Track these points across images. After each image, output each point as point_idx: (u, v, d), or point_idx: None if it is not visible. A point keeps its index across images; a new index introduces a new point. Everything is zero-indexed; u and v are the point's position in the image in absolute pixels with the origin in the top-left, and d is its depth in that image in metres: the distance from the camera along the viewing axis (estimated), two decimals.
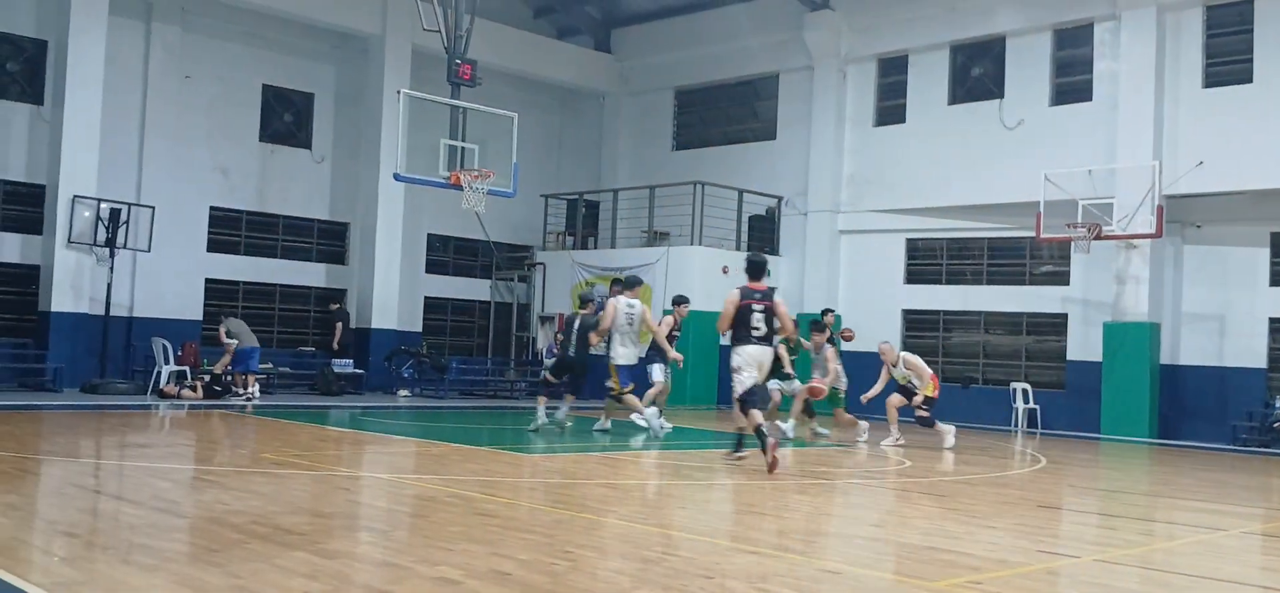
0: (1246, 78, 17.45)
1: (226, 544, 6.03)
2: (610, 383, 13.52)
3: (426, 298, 23.56)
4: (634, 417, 13.71)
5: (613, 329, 13.35)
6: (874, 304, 21.57)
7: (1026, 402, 18.84)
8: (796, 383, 14.17)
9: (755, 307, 10.66)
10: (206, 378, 17.59)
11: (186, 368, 17.81)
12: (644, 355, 14.03)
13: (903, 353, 14.47)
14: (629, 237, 23.34)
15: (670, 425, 14.10)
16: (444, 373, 21.04)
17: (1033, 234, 18.54)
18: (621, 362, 13.38)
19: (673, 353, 13.86)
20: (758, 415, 10.48)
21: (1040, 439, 16.99)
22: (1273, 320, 17.77)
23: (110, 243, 18.19)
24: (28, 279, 18.59)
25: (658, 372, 14.18)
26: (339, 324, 21.14)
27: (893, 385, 14.31)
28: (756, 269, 11.01)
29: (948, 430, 14.07)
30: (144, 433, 12.44)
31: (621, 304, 13.40)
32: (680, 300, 14.81)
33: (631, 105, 25.50)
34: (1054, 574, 6.48)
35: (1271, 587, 6.67)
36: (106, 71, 18.44)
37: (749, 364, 10.54)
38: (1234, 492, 11.44)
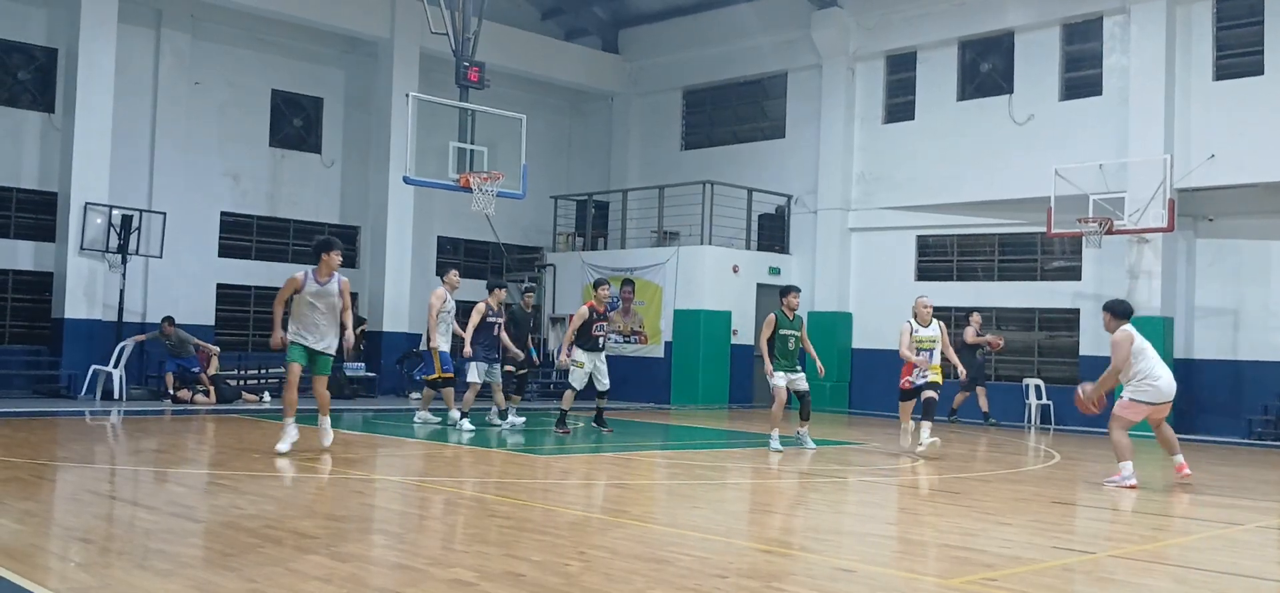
0: (1258, 69, 17.36)
1: (241, 549, 6.05)
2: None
3: None
4: (427, 411, 14.89)
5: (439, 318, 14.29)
6: (885, 302, 21.50)
7: (1040, 398, 18.78)
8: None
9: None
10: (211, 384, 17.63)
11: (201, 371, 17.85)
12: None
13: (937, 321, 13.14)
14: (639, 237, 23.35)
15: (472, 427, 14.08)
16: (456, 376, 21.04)
17: (1044, 230, 18.49)
18: (443, 348, 14.37)
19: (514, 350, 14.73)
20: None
21: (1054, 435, 16.93)
22: None
23: (122, 249, 18.25)
24: (41, 286, 18.68)
25: (473, 372, 14.19)
26: (360, 328, 21.29)
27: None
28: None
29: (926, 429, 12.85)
30: (158, 438, 12.48)
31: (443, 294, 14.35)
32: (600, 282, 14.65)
33: (640, 106, 25.50)
34: (1069, 571, 6.46)
35: None
36: (117, 79, 18.50)
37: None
38: (1250, 486, 11.39)
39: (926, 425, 12.52)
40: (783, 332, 12.71)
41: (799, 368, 12.97)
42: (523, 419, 14.81)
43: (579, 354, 13.82)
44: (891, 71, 21.67)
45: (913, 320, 12.75)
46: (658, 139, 25.16)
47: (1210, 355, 18.27)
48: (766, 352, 12.81)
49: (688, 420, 17.40)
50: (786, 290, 13.15)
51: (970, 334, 18.39)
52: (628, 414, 15.29)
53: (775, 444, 12.58)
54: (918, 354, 12.61)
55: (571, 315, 14.58)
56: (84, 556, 5.94)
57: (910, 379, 12.72)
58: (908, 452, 12.73)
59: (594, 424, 14.42)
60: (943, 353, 12.80)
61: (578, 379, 13.94)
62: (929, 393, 12.59)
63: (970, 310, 19.13)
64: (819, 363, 13.36)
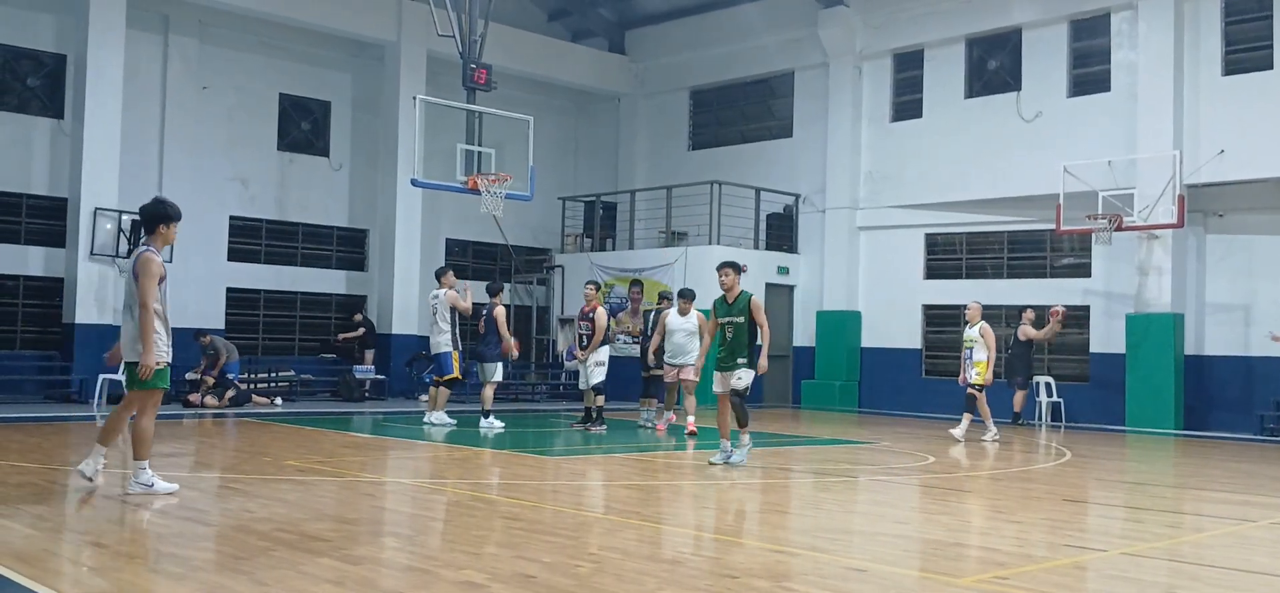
0: (1267, 64, 17.30)
1: (253, 552, 6.06)
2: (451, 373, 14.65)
3: None
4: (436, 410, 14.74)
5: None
6: (894, 300, 21.51)
7: (1050, 395, 18.73)
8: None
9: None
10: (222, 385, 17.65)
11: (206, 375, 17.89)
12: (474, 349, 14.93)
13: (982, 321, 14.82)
14: (646, 237, 23.35)
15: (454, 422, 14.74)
16: (465, 378, 21.06)
17: (1053, 227, 18.43)
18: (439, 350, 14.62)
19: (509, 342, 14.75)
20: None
21: (1065, 433, 16.89)
22: None
23: (132, 254, 18.27)
24: (52, 292, 18.75)
25: (499, 371, 14.80)
26: (363, 331, 21.30)
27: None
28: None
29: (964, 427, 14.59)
30: (169, 443, 12.50)
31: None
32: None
33: (647, 106, 25.51)
34: (1081, 569, 6.43)
35: None
36: (125, 84, 18.57)
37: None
38: (1262, 482, 11.34)
39: (967, 418, 14.52)
40: (720, 321, 10.73)
41: (739, 359, 10.60)
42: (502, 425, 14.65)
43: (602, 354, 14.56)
44: (898, 70, 21.64)
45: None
46: (665, 139, 25.16)
47: (1221, 352, 18.20)
48: (702, 354, 11.46)
49: (696, 421, 17.36)
50: (721, 267, 10.97)
51: (1024, 331, 18.09)
52: (635, 415, 15.28)
53: (714, 457, 10.88)
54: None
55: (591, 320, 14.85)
56: (96, 560, 5.95)
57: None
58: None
59: (577, 425, 14.92)
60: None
61: (600, 375, 14.57)
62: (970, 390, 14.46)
63: (1022, 308, 18.79)
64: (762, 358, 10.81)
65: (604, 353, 14.58)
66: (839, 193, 21.89)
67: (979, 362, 14.41)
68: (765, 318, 10.77)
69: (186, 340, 18.95)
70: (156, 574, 5.55)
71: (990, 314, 20.23)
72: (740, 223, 21.95)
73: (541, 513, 7.82)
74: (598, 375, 14.52)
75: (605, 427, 14.49)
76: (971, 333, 14.59)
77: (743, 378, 10.46)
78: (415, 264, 21.78)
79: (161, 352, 7.91)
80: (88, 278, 18.12)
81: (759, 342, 10.75)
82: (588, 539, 6.82)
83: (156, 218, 8.13)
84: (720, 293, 10.79)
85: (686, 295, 13.98)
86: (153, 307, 7.84)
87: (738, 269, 10.85)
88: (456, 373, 14.68)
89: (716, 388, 10.69)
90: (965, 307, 15.24)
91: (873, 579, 5.98)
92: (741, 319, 10.50)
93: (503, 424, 14.44)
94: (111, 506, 7.79)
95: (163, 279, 8.01)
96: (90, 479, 8.07)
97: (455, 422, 14.79)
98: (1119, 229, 17.57)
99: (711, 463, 10.70)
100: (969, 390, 14.57)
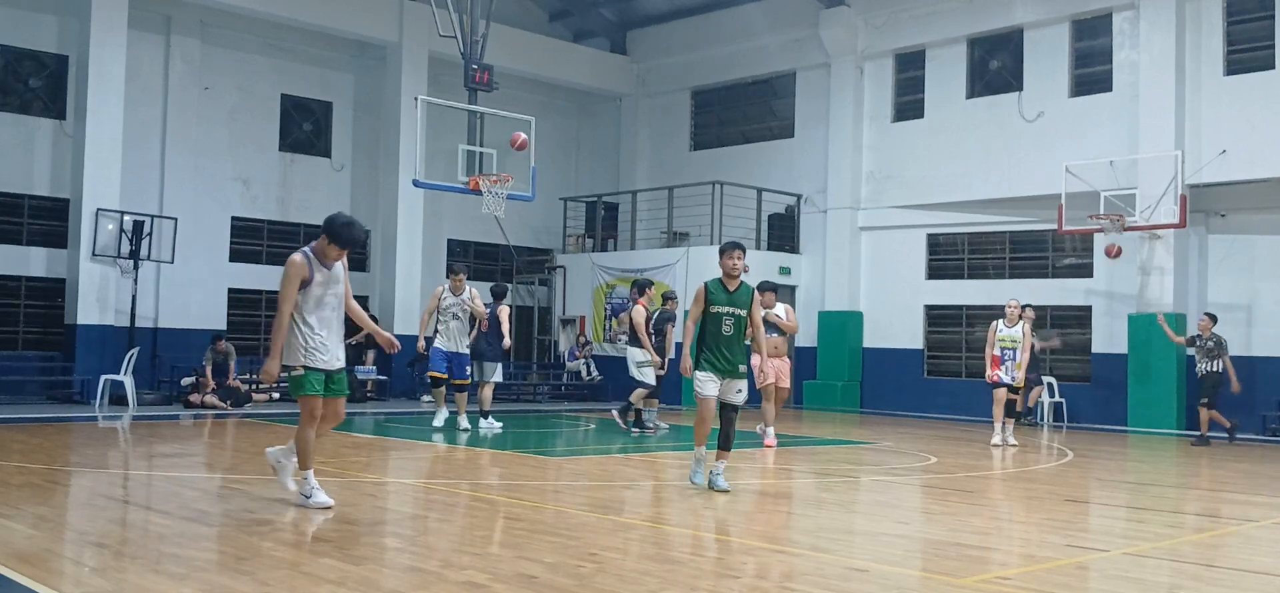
0: (1269, 64, 17.30)
1: (255, 552, 6.06)
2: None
3: None
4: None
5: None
6: (896, 300, 21.51)
7: (1052, 395, 18.72)
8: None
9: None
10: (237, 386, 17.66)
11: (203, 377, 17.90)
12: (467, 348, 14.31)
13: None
14: (648, 238, 23.35)
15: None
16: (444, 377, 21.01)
17: (1055, 227, 18.43)
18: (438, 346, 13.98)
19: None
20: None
21: (1067, 433, 16.88)
22: None
23: (134, 255, 18.33)
24: (54, 292, 18.76)
25: (499, 371, 14.53)
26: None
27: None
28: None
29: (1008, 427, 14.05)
30: (171, 443, 12.52)
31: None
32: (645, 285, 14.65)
33: (649, 107, 25.51)
34: (1083, 569, 6.43)
35: None
36: (127, 85, 18.59)
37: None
38: (1265, 482, 11.33)
39: (1009, 423, 13.81)
40: (714, 310, 9.00)
41: (742, 368, 8.99)
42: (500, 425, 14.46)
43: (651, 354, 13.95)
44: (900, 70, 21.63)
45: (1000, 321, 13.81)
46: (666, 140, 25.16)
47: None
48: (687, 342, 9.15)
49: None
50: (727, 248, 9.21)
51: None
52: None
53: (696, 476, 9.18)
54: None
55: (610, 317, 14.58)
56: (98, 560, 5.95)
57: (997, 375, 13.70)
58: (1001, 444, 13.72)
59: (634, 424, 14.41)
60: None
61: (651, 376, 13.96)
62: (1009, 393, 13.68)
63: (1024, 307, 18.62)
64: (762, 360, 9.87)
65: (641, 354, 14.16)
66: (841, 193, 21.88)
67: (1020, 363, 13.81)
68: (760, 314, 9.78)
69: (195, 341, 19.01)
70: (158, 575, 5.54)
71: (991, 314, 20.32)
72: (742, 223, 21.95)
73: (543, 513, 7.81)
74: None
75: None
76: (1015, 332, 13.76)
77: (743, 392, 8.95)
78: (417, 265, 21.79)
79: (298, 355, 7.38)
80: (90, 279, 18.13)
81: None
82: (590, 539, 6.81)
83: (324, 228, 7.75)
84: (716, 276, 9.20)
85: (767, 287, 12.83)
86: (288, 309, 7.36)
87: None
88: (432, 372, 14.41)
89: (709, 391, 8.85)
90: (1006, 305, 14.04)
91: (875, 580, 5.97)
92: (744, 313, 8.96)
93: (501, 425, 14.39)
94: (113, 506, 7.80)
95: (307, 283, 7.44)
96: (307, 499, 7.53)
97: (438, 421, 14.52)
98: (1121, 229, 17.56)
99: (693, 483, 9.12)
100: (1008, 395, 13.77)
